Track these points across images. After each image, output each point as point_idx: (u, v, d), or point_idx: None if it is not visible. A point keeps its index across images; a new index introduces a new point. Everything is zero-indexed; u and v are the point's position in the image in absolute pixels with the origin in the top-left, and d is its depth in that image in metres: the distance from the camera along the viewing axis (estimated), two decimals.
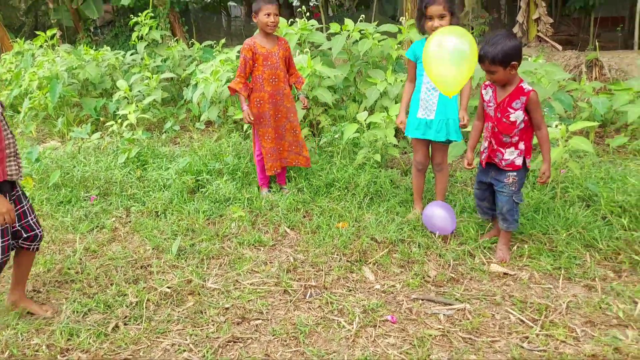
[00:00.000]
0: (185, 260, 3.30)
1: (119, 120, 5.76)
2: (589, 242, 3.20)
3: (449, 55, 2.81)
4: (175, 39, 9.40)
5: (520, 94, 2.90)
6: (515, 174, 3.03)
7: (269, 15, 3.91)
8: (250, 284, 3.00)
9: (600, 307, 2.61)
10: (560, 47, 8.92)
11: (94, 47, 9.34)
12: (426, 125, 3.50)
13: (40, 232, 2.74)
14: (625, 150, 4.89)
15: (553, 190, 3.86)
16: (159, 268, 3.21)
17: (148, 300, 2.83)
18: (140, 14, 7.88)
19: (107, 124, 5.84)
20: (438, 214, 3.38)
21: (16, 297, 2.78)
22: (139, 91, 6.73)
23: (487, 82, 3.08)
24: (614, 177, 3.96)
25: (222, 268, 3.21)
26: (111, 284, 3.01)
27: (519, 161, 3.00)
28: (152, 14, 8.35)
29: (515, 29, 9.63)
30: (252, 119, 4.04)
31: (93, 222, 3.89)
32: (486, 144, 3.09)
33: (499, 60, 2.81)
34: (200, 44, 7.98)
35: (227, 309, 2.76)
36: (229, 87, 4.06)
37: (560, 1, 14.62)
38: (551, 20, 9.41)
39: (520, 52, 2.90)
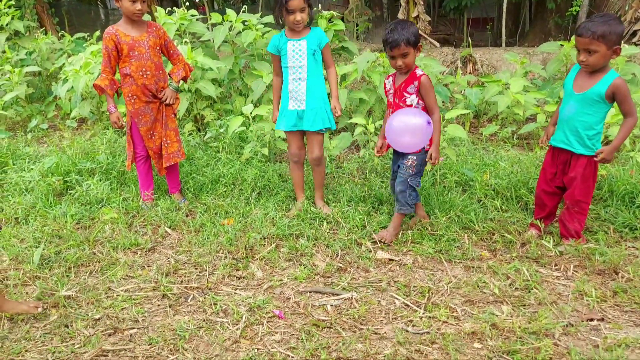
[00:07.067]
0: (50, 270, 2.95)
1: None
2: (467, 225, 3.33)
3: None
4: (42, 30, 8.57)
5: (414, 79, 3.01)
6: (415, 157, 3.11)
7: (134, 1, 3.33)
8: (125, 291, 2.74)
9: (478, 286, 2.70)
10: (438, 45, 9.41)
11: None
12: (298, 116, 3.45)
13: None
14: (496, 137, 5.22)
15: (433, 176, 3.99)
16: (17, 280, 2.83)
17: (1, 318, 2.48)
18: None
19: None
20: (408, 124, 2.93)
21: None
22: None
23: (390, 73, 3.16)
24: (487, 162, 4.19)
25: (93, 275, 2.90)
26: None
27: None
28: (16, 3, 7.53)
29: None
30: (123, 123, 3.53)
31: None
32: None
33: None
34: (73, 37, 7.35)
35: (97, 320, 2.49)
36: (94, 84, 3.45)
37: (437, 2, 15.56)
38: (429, 19, 9.90)
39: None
